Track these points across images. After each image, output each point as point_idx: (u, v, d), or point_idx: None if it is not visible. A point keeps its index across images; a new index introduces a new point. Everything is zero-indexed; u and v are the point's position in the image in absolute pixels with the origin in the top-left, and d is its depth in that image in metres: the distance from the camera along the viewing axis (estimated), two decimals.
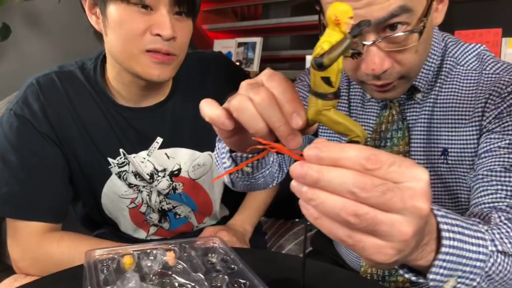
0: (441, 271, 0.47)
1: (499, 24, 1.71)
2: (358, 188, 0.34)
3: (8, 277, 0.90)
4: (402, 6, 0.60)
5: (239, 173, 0.70)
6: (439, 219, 0.46)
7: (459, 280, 0.49)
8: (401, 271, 0.50)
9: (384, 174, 0.35)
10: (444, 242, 0.46)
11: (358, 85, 0.84)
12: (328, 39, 0.38)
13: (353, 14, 0.37)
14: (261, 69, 2.28)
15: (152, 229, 1.06)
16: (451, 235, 0.46)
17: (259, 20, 2.78)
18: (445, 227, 0.46)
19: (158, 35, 0.81)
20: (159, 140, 0.97)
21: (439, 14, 0.69)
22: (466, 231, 0.48)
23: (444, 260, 0.46)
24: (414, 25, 0.63)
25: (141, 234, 1.06)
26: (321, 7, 0.68)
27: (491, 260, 0.51)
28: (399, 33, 0.62)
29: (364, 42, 0.64)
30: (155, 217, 1.04)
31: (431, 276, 0.47)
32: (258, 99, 0.42)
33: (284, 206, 1.21)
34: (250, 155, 0.62)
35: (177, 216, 1.06)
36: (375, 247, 0.36)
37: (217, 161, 0.79)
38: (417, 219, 0.36)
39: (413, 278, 0.49)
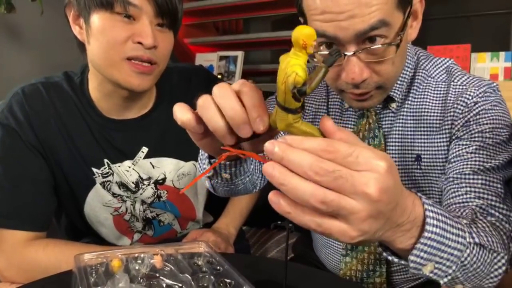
0: (422, 254, 0.51)
1: (468, 40, 1.81)
2: (313, 171, 0.39)
3: None
4: (382, 20, 0.65)
5: (218, 179, 0.73)
6: (426, 206, 0.51)
7: (436, 265, 0.53)
8: (384, 254, 0.55)
9: (340, 163, 0.40)
10: (428, 227, 0.50)
11: (337, 94, 0.88)
12: (297, 63, 0.41)
13: (316, 37, 0.41)
14: None
15: (136, 236, 1.08)
16: (435, 222, 0.50)
17: (240, 34, 2.84)
18: (431, 214, 0.50)
19: (140, 43, 0.84)
20: (144, 149, 0.99)
21: (413, 30, 0.75)
22: (449, 221, 0.52)
23: (425, 244, 0.50)
24: (392, 39, 0.68)
25: (125, 241, 1.07)
26: (305, 19, 0.72)
27: (467, 251, 0.55)
28: (378, 45, 0.67)
29: (346, 53, 0.68)
30: (139, 225, 1.06)
31: (411, 258, 0.51)
32: (217, 92, 0.47)
33: (266, 215, 1.24)
34: (227, 162, 0.66)
35: (161, 224, 1.08)
36: (340, 231, 0.42)
37: (200, 166, 0.82)
38: (368, 204, 0.40)
39: (396, 260, 0.54)
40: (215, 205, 1.13)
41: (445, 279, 0.54)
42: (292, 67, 0.41)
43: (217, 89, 0.47)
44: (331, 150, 0.40)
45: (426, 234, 0.50)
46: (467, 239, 0.55)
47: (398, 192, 0.45)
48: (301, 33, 0.40)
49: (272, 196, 0.42)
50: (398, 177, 0.44)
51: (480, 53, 1.79)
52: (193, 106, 0.51)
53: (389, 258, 0.55)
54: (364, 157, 0.40)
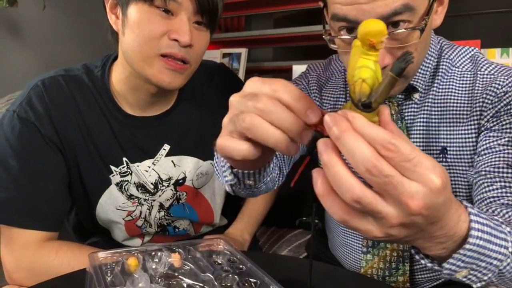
0: (458, 263, 0.48)
1: (478, 36, 1.78)
2: (365, 167, 0.36)
3: None
4: (406, 4, 0.62)
5: (241, 185, 0.69)
6: (472, 217, 0.47)
7: (471, 272, 0.49)
8: (417, 257, 0.51)
9: (395, 165, 0.37)
10: (471, 240, 0.46)
11: None
12: (366, 64, 0.37)
13: (387, 32, 0.36)
14: (246, 79, 2.29)
15: (148, 237, 1.04)
16: (479, 234, 0.47)
17: (242, 31, 2.81)
18: (476, 225, 0.47)
19: (176, 40, 0.81)
20: (166, 147, 0.96)
21: (438, 16, 0.72)
22: (493, 232, 0.49)
23: (465, 255, 0.47)
24: (416, 24, 0.65)
25: (136, 242, 1.03)
26: (325, 3, 0.69)
27: (508, 260, 0.51)
28: (402, 30, 0.64)
29: None
30: (151, 230, 1.02)
31: (447, 266, 0.48)
32: (262, 106, 0.41)
33: (276, 214, 1.21)
34: (251, 171, 0.62)
35: (176, 230, 1.04)
36: (365, 229, 0.40)
37: (217, 170, 0.78)
38: (404, 214, 0.38)
39: (429, 265, 0.50)
40: (230, 207, 1.10)
41: (479, 284, 0.51)
42: (360, 70, 0.37)
43: (257, 103, 0.42)
44: (393, 148, 0.36)
45: (467, 246, 0.46)
46: (510, 249, 0.51)
47: (446, 209, 0.42)
48: (368, 31, 0.35)
49: (314, 172, 0.40)
50: (449, 194, 0.41)
51: (490, 49, 1.77)
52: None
53: (422, 262, 0.51)
54: (422, 168, 0.37)
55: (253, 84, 0.44)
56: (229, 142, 0.44)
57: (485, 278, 0.51)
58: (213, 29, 0.89)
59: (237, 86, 1.07)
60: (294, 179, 0.50)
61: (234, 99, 0.44)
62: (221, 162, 0.68)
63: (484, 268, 0.50)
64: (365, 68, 0.37)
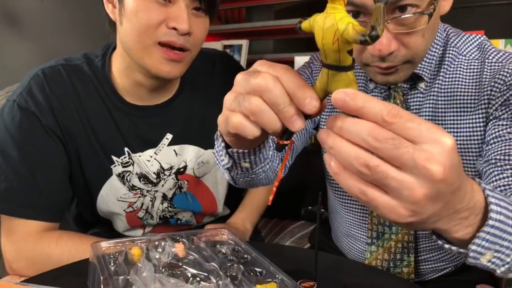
0: (483, 243, 0.46)
1: (481, 28, 1.76)
2: (372, 136, 0.36)
3: (0, 279, 0.85)
4: None
5: (238, 170, 0.69)
6: (487, 192, 0.46)
7: (495, 254, 0.48)
8: (440, 242, 0.49)
9: (401, 129, 0.36)
10: (492, 215, 0.45)
11: (361, 73, 0.84)
12: (344, 15, 0.38)
13: None
14: None
15: (149, 228, 1.03)
16: (499, 209, 0.46)
17: (243, 23, 2.78)
18: (494, 200, 0.46)
19: (174, 28, 0.79)
20: (169, 136, 0.95)
21: (446, 2, 0.71)
22: (510, 207, 0.48)
23: (488, 233, 0.46)
24: (424, 9, 0.64)
25: (138, 232, 1.02)
26: None
27: None
28: (409, 14, 0.63)
29: None
30: (153, 222, 1.01)
31: (473, 247, 0.46)
32: (262, 82, 0.42)
33: (278, 206, 1.20)
34: (246, 151, 0.62)
35: (179, 221, 1.03)
36: (388, 206, 0.38)
37: (216, 159, 0.77)
38: (428, 182, 0.36)
39: (453, 249, 0.49)
40: (233, 198, 1.09)
41: (502, 268, 0.50)
42: (342, 20, 0.38)
43: (257, 78, 0.43)
44: (395, 113, 0.36)
45: (490, 222, 0.45)
46: None
47: (461, 172, 0.40)
48: None
49: (326, 156, 0.40)
50: (459, 157, 0.39)
51: (494, 40, 1.75)
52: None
53: (446, 246, 0.50)
54: (428, 128, 0.36)
55: (260, 66, 0.45)
56: (245, 122, 0.45)
57: (508, 259, 0.49)
58: (212, 14, 0.87)
59: (237, 72, 1.06)
60: (271, 195, 0.53)
61: (239, 77, 0.45)
62: (219, 146, 0.67)
63: (507, 248, 0.48)
64: (347, 17, 0.38)
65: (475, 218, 0.45)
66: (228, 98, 0.47)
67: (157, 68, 0.82)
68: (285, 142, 0.45)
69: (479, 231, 0.45)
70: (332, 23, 0.38)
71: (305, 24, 0.42)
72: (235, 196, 1.10)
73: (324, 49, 0.39)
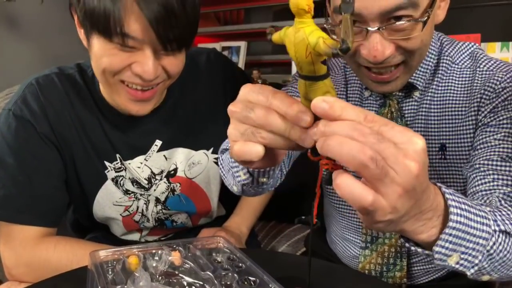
0: (447, 244, 0.48)
1: (478, 30, 1.77)
2: (356, 130, 0.37)
3: (0, 285, 0.86)
4: (410, 0, 0.62)
5: (254, 184, 0.69)
6: (447, 195, 0.48)
7: (461, 256, 0.50)
8: (407, 245, 0.52)
9: (377, 132, 0.38)
10: (452, 217, 0.47)
11: (356, 82, 0.86)
12: (314, 28, 0.39)
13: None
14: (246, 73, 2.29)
15: (146, 231, 1.04)
16: (458, 211, 0.48)
17: (241, 24, 2.79)
18: (453, 203, 0.48)
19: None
20: (158, 143, 0.96)
21: (441, 11, 0.72)
22: (472, 209, 0.50)
23: (450, 234, 0.48)
24: (418, 17, 0.66)
25: (135, 236, 1.04)
26: None
27: (493, 239, 0.53)
28: (403, 22, 0.65)
29: (369, 28, 0.65)
30: (149, 225, 1.02)
31: (436, 249, 0.48)
32: (259, 120, 0.43)
33: (275, 209, 1.22)
34: (267, 168, 0.62)
35: (174, 223, 1.05)
36: (374, 202, 0.39)
37: (222, 172, 0.78)
38: (407, 177, 0.38)
39: (419, 250, 0.51)
40: (228, 196, 1.10)
41: (472, 270, 0.52)
42: (312, 34, 0.39)
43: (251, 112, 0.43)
44: (371, 118, 0.38)
45: (450, 224, 0.47)
46: (492, 227, 0.53)
47: (427, 174, 0.42)
48: (299, 1, 0.38)
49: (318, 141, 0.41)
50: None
51: (490, 43, 1.76)
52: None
53: (413, 248, 0.52)
54: (400, 130, 0.38)
55: (248, 95, 0.44)
56: (244, 147, 0.44)
57: (476, 261, 0.51)
58: (188, 47, 0.82)
59: (230, 72, 1.05)
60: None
61: (233, 109, 0.45)
62: (232, 163, 0.67)
63: (473, 250, 0.51)
64: (316, 31, 0.39)
65: (437, 219, 0.47)
66: (232, 132, 0.46)
67: (125, 106, 0.83)
68: (316, 159, 0.44)
69: (441, 232, 0.47)
70: (302, 38, 0.39)
71: (276, 37, 0.43)
72: (229, 194, 1.11)
73: (298, 61, 0.40)
